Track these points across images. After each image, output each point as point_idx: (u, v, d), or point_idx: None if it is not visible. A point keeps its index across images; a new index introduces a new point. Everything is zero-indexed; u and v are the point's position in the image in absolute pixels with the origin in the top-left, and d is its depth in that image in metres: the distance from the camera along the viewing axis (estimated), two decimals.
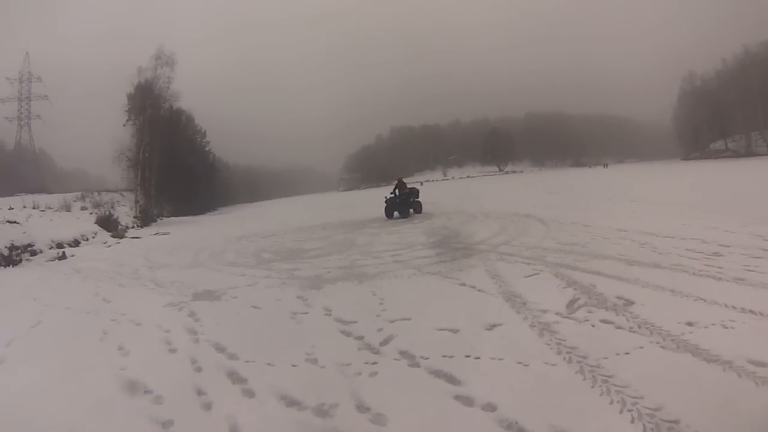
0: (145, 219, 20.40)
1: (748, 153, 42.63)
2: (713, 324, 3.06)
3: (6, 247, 9.26)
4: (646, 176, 24.77)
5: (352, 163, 79.75)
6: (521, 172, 51.63)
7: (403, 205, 12.41)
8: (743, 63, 48.06)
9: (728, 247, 5.16)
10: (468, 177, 52.37)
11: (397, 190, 12.79)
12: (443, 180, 52.55)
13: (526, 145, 62.84)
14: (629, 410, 2.19)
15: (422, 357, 2.98)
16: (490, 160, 59.62)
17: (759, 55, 46.42)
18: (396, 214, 12.40)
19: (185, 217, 25.34)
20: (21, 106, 57.03)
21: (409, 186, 13.15)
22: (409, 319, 3.75)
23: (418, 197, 12.94)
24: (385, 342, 3.30)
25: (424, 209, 13.42)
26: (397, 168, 59.75)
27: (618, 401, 2.28)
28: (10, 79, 56.31)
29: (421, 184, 43.36)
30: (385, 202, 12.81)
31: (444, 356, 2.96)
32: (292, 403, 2.57)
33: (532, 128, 63.40)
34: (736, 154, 43.87)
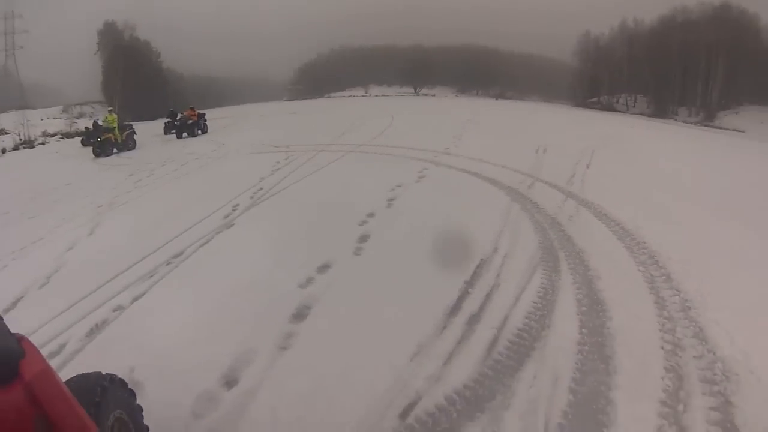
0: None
1: (610, 108, 47.42)
2: None
3: None
4: (503, 110, 29.59)
5: (298, 75, 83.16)
6: (434, 95, 58.39)
7: (184, 127, 17.20)
8: (632, 32, 53.73)
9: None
10: (383, 95, 57.88)
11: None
12: (362, 96, 58.33)
13: (452, 73, 69.96)
14: None
15: None
16: (407, 81, 66.32)
17: (650, 28, 52.10)
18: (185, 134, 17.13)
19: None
20: (6, 40, 61.41)
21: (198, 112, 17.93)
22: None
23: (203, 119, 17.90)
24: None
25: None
26: (334, 83, 65.48)
27: None
28: None
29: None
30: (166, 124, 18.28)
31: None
32: None
33: (462, 59, 70.25)
34: (603, 107, 48.37)
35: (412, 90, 63.20)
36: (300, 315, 3.77)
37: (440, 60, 68.91)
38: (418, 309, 3.84)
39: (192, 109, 18.15)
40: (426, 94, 58.34)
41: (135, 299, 4.06)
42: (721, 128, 30.61)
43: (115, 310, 3.88)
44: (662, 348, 3.36)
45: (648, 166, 11.25)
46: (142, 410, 2.24)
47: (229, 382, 2.90)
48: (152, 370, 2.97)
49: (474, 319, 3.72)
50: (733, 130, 30.31)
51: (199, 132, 17.69)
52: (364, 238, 5.51)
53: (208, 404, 2.71)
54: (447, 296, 4.07)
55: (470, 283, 4.33)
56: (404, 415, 2.68)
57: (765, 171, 12.96)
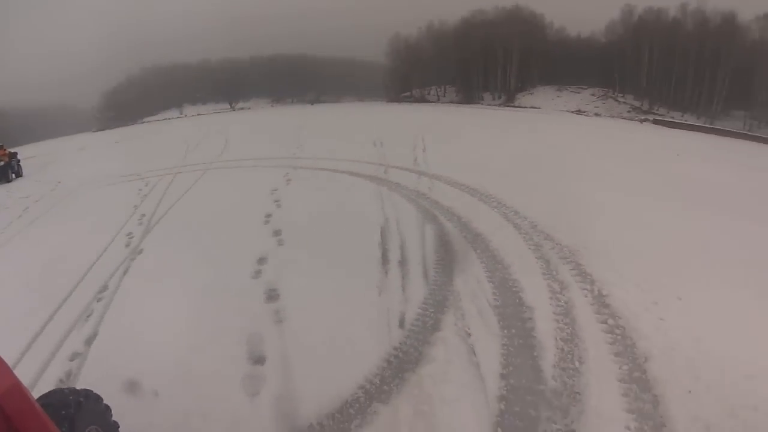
0: None
1: (422, 100, 51.27)
2: None
3: None
4: (325, 113, 32.31)
5: (106, 101, 69.67)
6: (249, 108, 56.09)
7: None
8: (438, 32, 60.08)
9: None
10: (199, 114, 53.69)
11: None
12: (178, 118, 52.72)
13: (268, 84, 68.29)
14: None
15: None
16: (222, 97, 62.65)
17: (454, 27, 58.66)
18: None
19: None
20: None
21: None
22: None
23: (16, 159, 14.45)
24: None
25: None
26: (147, 106, 58.00)
27: None
28: None
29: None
30: None
31: None
32: None
33: (275, 68, 68.95)
34: (416, 100, 51.81)
35: (228, 106, 59.55)
36: (272, 296, 4.32)
37: (254, 71, 66.35)
38: (358, 265, 4.90)
39: (2, 147, 14.21)
40: (242, 108, 55.74)
41: (89, 340, 3.80)
42: (521, 107, 38.36)
43: (72, 359, 3.60)
44: (529, 248, 5.26)
45: (469, 142, 14.39)
46: (118, 427, 2.29)
47: (259, 360, 3.34)
48: (176, 386, 3.07)
49: (402, 262, 4.98)
50: (531, 107, 38.30)
51: (14, 176, 14.06)
52: (277, 233, 6.11)
53: (257, 382, 3.11)
54: (373, 253, 5.24)
55: (383, 242, 5.58)
56: (401, 324, 3.70)
57: (559, 135, 17.80)
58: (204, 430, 2.69)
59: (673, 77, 34.39)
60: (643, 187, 8.34)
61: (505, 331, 3.52)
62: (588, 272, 4.52)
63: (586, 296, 4.05)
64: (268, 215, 6.88)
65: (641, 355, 3.16)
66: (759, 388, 2.80)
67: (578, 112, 36.14)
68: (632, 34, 37.11)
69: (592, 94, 39.69)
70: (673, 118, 31.73)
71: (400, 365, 3.16)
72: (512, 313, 3.82)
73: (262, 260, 5.15)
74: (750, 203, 7.71)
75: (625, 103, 37.19)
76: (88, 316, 4.25)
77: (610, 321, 3.60)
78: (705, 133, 26.04)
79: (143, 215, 7.34)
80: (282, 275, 4.71)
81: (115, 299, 4.51)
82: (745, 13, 32.13)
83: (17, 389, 1.41)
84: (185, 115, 54.46)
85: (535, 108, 37.60)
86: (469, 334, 3.49)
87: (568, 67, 39.90)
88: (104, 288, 4.78)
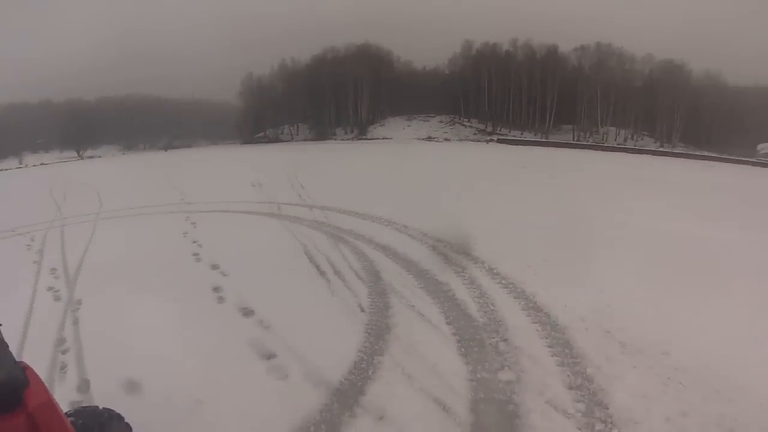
0: None
1: (276, 140, 51.35)
2: None
3: None
4: (185, 159, 32.23)
5: None
6: (100, 157, 49.65)
7: None
8: (290, 70, 53.63)
9: None
10: (42, 164, 45.20)
11: None
12: (17, 168, 43.50)
13: (118, 129, 58.84)
14: None
15: None
16: (68, 144, 53.07)
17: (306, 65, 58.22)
18: None
19: None
20: None
21: None
22: None
23: None
24: None
25: None
26: None
27: None
28: None
29: None
30: None
31: None
32: None
33: (125, 111, 59.51)
34: (270, 140, 51.87)
35: (76, 154, 50.74)
36: (247, 313, 5.11)
37: (103, 115, 57.50)
38: (302, 279, 6.04)
39: None
40: (92, 157, 48.48)
41: (82, 387, 3.86)
42: (373, 138, 41.54)
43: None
44: (428, 249, 7.15)
45: (338, 175, 16.47)
46: None
47: (271, 356, 4.15)
48: (211, 391, 3.53)
49: (336, 272, 6.27)
50: (383, 138, 41.62)
51: None
52: (215, 266, 6.73)
53: (281, 369, 3.91)
54: (309, 269, 6.45)
55: (312, 261, 6.77)
56: (362, 310, 5.04)
57: (416, 161, 21.56)
58: (264, 414, 3.31)
59: (510, 101, 42.09)
60: (502, 195, 11.22)
61: (436, 299, 5.11)
62: (477, 257, 6.49)
63: (481, 270, 5.91)
64: (196, 254, 7.35)
65: (529, 293, 5.19)
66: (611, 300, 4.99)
67: (429, 138, 41.07)
68: (472, 65, 44.42)
69: (441, 121, 45.41)
70: (514, 136, 38.80)
71: (377, 332, 4.42)
72: (435, 289, 5.43)
73: (217, 289, 5.77)
74: (588, 194, 11.25)
75: (471, 126, 43.65)
76: (63, 369, 4.26)
77: (503, 281, 5.55)
78: (542, 146, 32.97)
79: (54, 269, 6.93)
80: (244, 297, 5.45)
81: (85, 346, 4.56)
82: (565, 45, 42.17)
83: (50, 405, 1.52)
84: (26, 165, 45.14)
85: (387, 138, 41.44)
86: (413, 306, 4.98)
87: (416, 98, 45.18)
88: (62, 341, 4.76)
